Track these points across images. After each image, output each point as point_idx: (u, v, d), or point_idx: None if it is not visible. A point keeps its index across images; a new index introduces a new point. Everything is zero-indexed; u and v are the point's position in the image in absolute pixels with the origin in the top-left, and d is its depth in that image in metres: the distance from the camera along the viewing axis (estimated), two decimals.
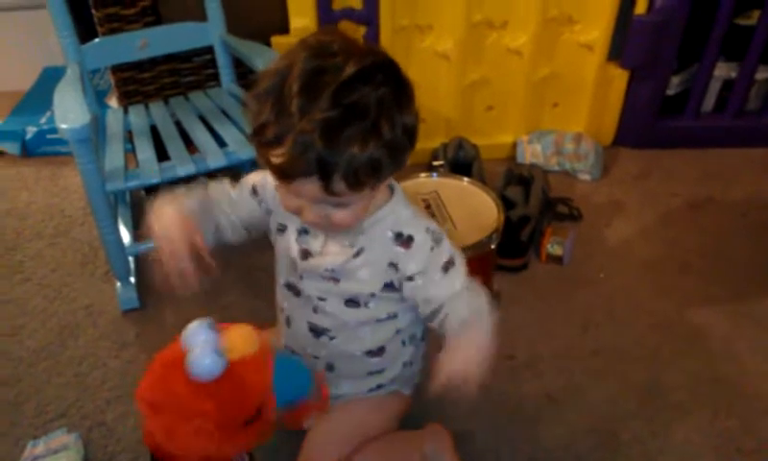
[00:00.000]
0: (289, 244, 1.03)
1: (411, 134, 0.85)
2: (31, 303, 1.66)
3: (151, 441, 0.81)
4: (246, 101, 0.85)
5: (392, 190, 1.00)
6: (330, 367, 1.09)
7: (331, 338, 1.05)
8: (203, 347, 0.79)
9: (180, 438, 0.77)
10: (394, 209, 0.98)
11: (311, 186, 0.82)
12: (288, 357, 0.99)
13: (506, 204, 1.58)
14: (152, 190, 1.93)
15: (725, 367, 1.41)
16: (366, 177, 0.82)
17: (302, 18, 1.87)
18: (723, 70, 2.14)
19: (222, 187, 1.12)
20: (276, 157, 0.80)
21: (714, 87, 2.18)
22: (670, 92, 2.15)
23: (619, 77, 2.07)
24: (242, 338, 0.82)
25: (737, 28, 2.04)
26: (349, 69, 0.78)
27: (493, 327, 0.94)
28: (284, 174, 0.83)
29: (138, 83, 1.89)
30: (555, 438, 1.27)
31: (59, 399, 1.40)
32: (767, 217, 1.86)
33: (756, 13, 2.00)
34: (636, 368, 1.41)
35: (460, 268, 1.00)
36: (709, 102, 2.21)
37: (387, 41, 1.91)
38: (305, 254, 1.01)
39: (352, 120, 0.78)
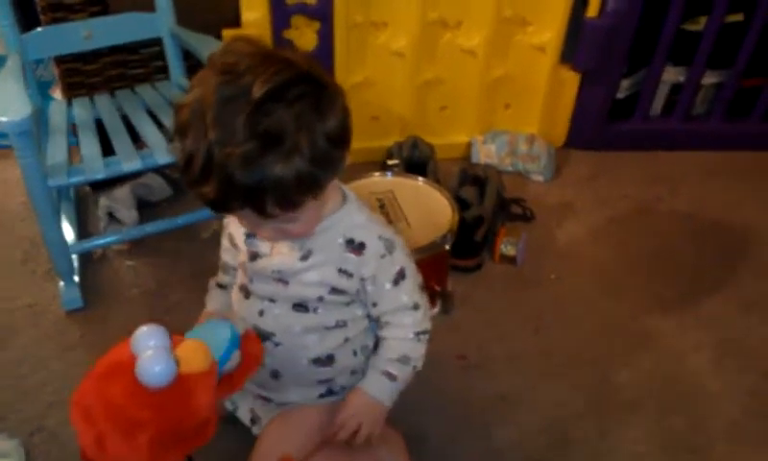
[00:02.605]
0: (240, 249, 1.03)
1: (338, 140, 0.83)
2: None
3: (85, 457, 0.77)
4: (171, 138, 0.83)
5: (344, 196, 0.99)
6: (276, 374, 1.07)
7: (276, 344, 1.03)
8: (155, 352, 0.75)
9: (111, 450, 0.73)
10: (347, 215, 0.98)
11: (249, 213, 0.83)
12: (217, 322, 0.95)
13: (461, 204, 1.58)
14: (97, 186, 1.88)
15: (672, 366, 1.44)
16: (298, 195, 0.82)
17: (254, 12, 1.84)
18: (671, 75, 2.19)
19: (222, 256, 1.16)
20: (206, 193, 0.79)
21: (662, 91, 2.23)
22: (620, 96, 2.19)
23: (571, 79, 2.10)
24: (195, 352, 0.79)
25: (685, 33, 2.08)
26: (258, 91, 0.76)
27: (403, 387, 1.06)
28: (218, 208, 0.82)
29: (83, 74, 1.83)
30: (507, 438, 1.28)
31: None
32: (712, 219, 1.91)
33: (703, 20, 2.05)
34: (585, 368, 1.43)
35: (410, 281, 1.02)
36: (658, 106, 2.26)
37: (341, 38, 1.89)
38: (254, 256, 1.01)
39: (271, 147, 0.76)
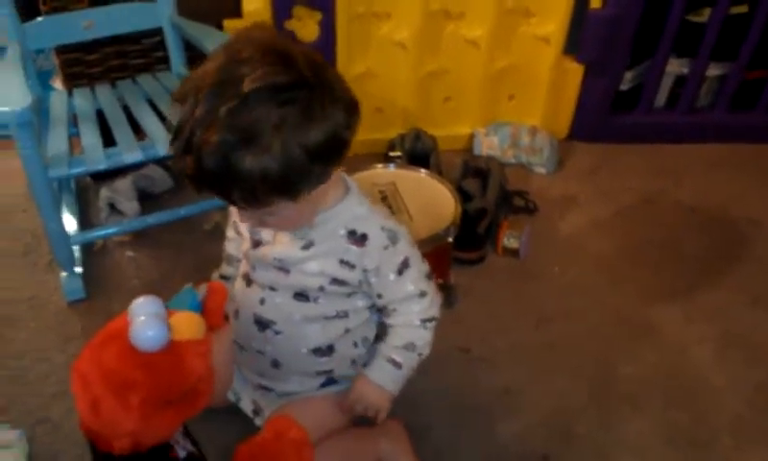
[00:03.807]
0: (244, 236, 1.04)
1: (318, 154, 0.82)
2: None
3: (83, 426, 0.80)
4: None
5: (347, 187, 0.99)
6: (276, 363, 1.07)
7: (276, 332, 1.04)
8: (148, 318, 0.77)
9: (105, 411, 0.75)
10: (347, 207, 0.98)
11: (220, 197, 0.84)
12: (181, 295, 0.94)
13: (463, 196, 1.58)
14: (98, 177, 1.88)
15: (676, 359, 1.43)
16: (265, 195, 0.82)
17: (255, 2, 1.84)
18: (675, 66, 2.17)
19: (225, 247, 1.18)
20: (185, 167, 0.81)
21: (666, 83, 2.22)
22: (624, 87, 2.18)
23: (574, 71, 2.08)
24: (188, 323, 0.80)
25: (689, 25, 2.07)
26: (248, 86, 0.76)
27: (409, 373, 1.07)
28: (194, 186, 0.83)
29: (84, 64, 1.82)
30: (511, 432, 1.27)
31: (1, 394, 1.34)
32: (717, 211, 1.90)
33: (708, 11, 2.04)
34: (589, 361, 1.42)
35: (415, 270, 1.01)
36: (662, 98, 2.25)
37: (343, 29, 1.88)
38: (256, 244, 1.02)
39: (244, 142, 0.77)
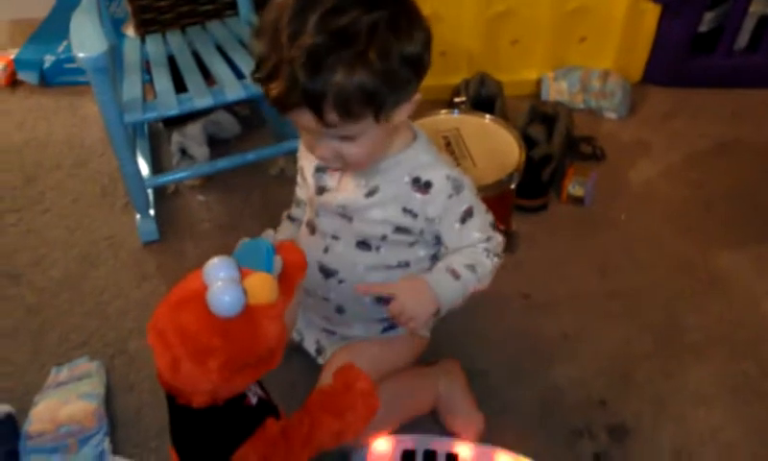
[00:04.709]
0: (308, 183, 1.04)
1: (413, 64, 0.83)
2: (52, 234, 1.67)
3: (162, 381, 0.83)
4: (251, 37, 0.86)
5: (415, 135, 0.99)
6: (340, 309, 1.09)
7: (340, 281, 1.05)
8: (224, 282, 0.78)
9: (184, 373, 0.77)
10: (414, 154, 0.97)
11: (308, 118, 0.83)
12: (250, 240, 0.91)
13: (528, 142, 1.55)
14: (169, 122, 1.93)
15: (744, 310, 1.39)
16: (359, 106, 0.81)
17: None
18: (758, 6, 2.05)
19: (296, 190, 1.19)
20: (272, 89, 0.81)
21: (749, 24, 2.09)
22: (702, 29, 2.07)
23: (650, 12, 1.99)
24: (263, 285, 0.81)
25: None
26: None
27: (462, 294, 1.00)
28: (279, 106, 0.83)
29: (155, 11, 1.85)
30: (568, 377, 1.28)
31: (81, 327, 1.42)
32: None
33: None
34: (653, 310, 1.40)
35: (479, 219, 1.00)
36: (743, 39, 2.13)
37: None
38: (321, 190, 1.02)
39: (337, 47, 0.76)
